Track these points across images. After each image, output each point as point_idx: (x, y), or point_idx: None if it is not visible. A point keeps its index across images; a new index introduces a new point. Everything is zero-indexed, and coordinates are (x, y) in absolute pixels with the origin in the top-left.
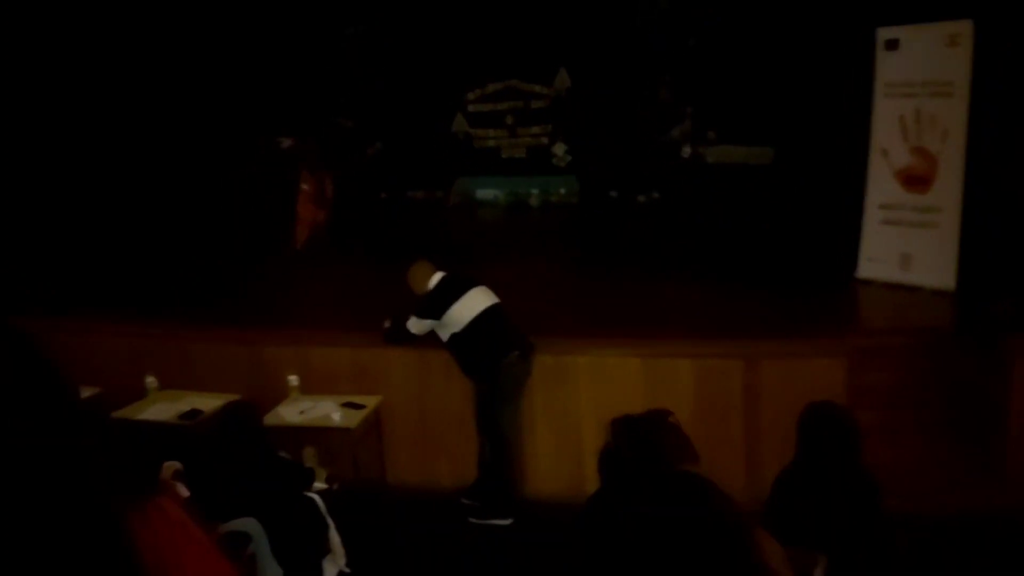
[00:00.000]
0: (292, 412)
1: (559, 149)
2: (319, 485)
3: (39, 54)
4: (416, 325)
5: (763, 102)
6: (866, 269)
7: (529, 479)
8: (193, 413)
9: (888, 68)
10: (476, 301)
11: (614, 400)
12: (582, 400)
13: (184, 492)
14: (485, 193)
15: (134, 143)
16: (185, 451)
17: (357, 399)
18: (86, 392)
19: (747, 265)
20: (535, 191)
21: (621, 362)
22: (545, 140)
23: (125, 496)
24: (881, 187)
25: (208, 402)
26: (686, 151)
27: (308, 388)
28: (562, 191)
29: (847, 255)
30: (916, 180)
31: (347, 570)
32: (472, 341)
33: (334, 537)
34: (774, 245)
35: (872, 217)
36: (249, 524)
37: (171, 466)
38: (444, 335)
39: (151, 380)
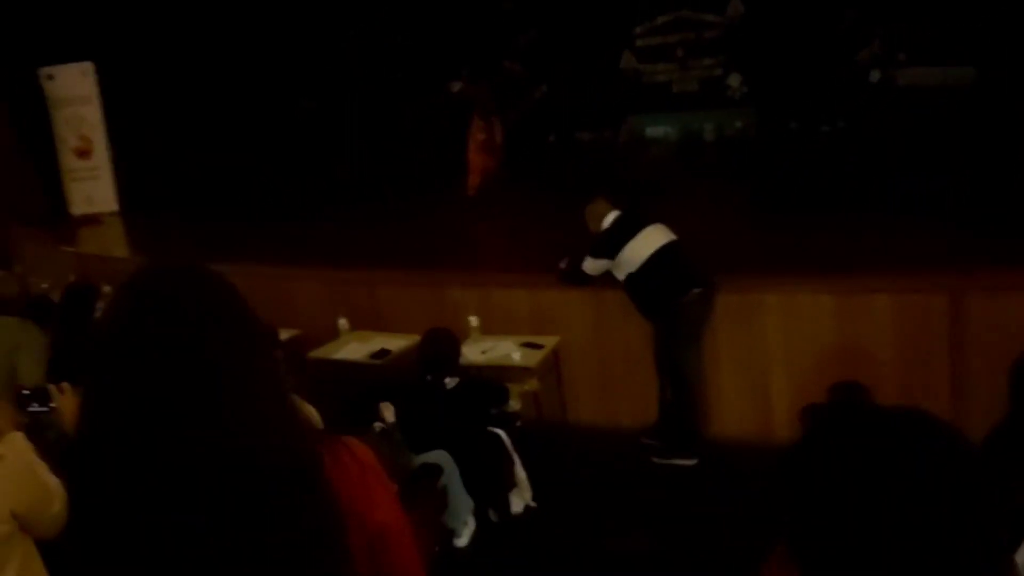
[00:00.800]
0: (474, 352)
1: (734, 80)
2: (513, 404)
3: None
4: (591, 265)
5: (961, 18)
6: None
7: (714, 420)
8: (383, 353)
9: None
10: (653, 238)
11: (804, 340)
12: (770, 340)
13: (391, 416)
14: (656, 131)
15: (320, 93)
16: (379, 387)
17: (536, 339)
18: (286, 334)
19: (947, 196)
20: (709, 126)
21: (812, 299)
22: (719, 71)
23: (318, 434)
24: None
25: (395, 342)
26: (875, 75)
27: (488, 329)
28: (738, 124)
29: None
30: None
31: (533, 504)
32: (649, 280)
33: (520, 472)
34: (977, 175)
35: None
36: (441, 456)
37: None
38: (620, 275)
39: (343, 322)
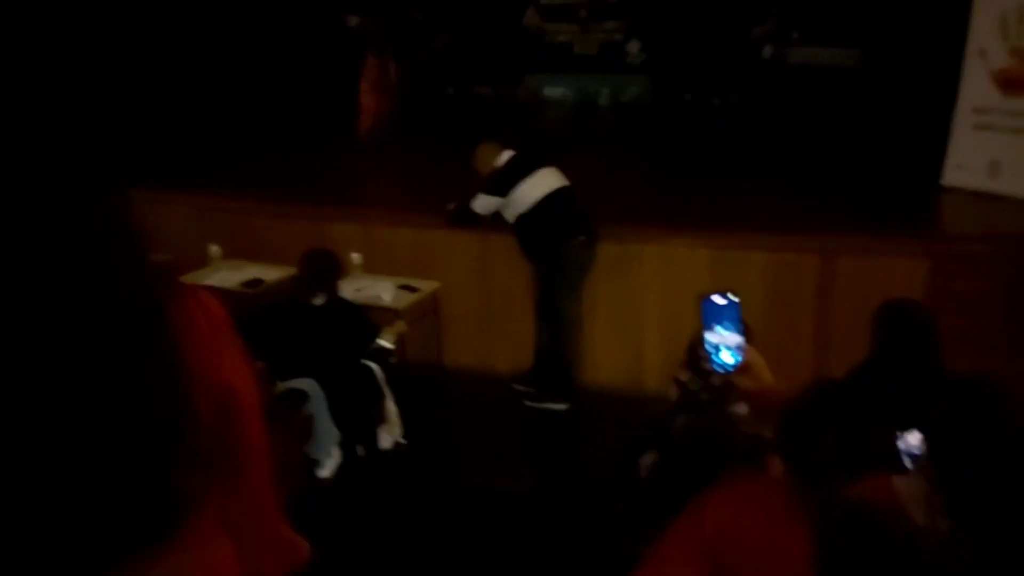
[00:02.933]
0: (349, 289)
1: (633, 47)
2: (383, 342)
3: None
4: (482, 203)
5: (851, 3)
6: (952, 176)
7: (587, 367)
8: (256, 282)
9: None
10: (545, 181)
11: (679, 292)
12: (647, 290)
13: None
14: (554, 91)
15: (207, 20)
16: (250, 314)
17: (416, 282)
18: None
19: (828, 167)
20: (606, 90)
21: (689, 253)
22: (619, 37)
23: (166, 279)
24: (975, 90)
25: (270, 272)
26: (767, 52)
27: (371, 268)
28: (635, 91)
29: (934, 162)
30: (1014, 83)
31: (403, 441)
32: (538, 222)
33: (391, 407)
34: (858, 149)
35: (963, 122)
36: (308, 384)
37: None
38: (510, 216)
39: (214, 249)
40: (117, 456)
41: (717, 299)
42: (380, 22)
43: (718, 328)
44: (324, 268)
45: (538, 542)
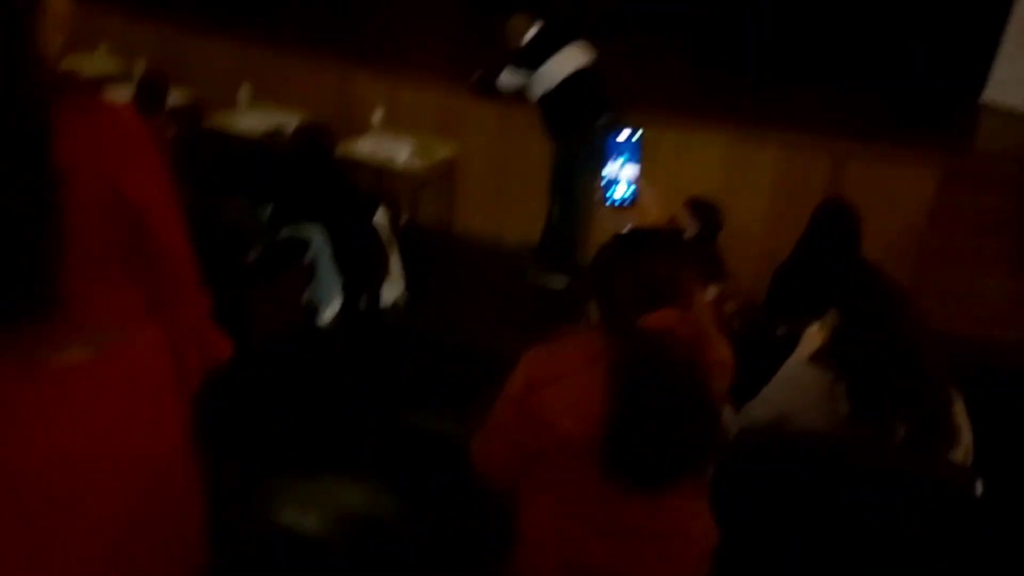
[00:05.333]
0: (366, 146)
1: None
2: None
3: None
4: (509, 77)
5: None
6: (993, 93)
7: (592, 248)
8: (277, 133)
9: None
10: (574, 56)
11: (690, 181)
12: (660, 175)
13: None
14: None
15: None
16: (264, 162)
17: (436, 143)
18: (182, 94)
19: (861, 72)
20: None
21: (704, 143)
22: None
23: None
24: None
25: (294, 120)
26: None
27: (394, 125)
28: None
29: (977, 77)
30: None
31: (405, 298)
32: (562, 101)
33: (395, 263)
34: (902, 60)
35: (1013, 38)
36: (313, 230)
37: None
38: (536, 92)
39: (244, 90)
40: None
41: (622, 135)
42: None
43: (618, 161)
44: (321, 145)
45: None
